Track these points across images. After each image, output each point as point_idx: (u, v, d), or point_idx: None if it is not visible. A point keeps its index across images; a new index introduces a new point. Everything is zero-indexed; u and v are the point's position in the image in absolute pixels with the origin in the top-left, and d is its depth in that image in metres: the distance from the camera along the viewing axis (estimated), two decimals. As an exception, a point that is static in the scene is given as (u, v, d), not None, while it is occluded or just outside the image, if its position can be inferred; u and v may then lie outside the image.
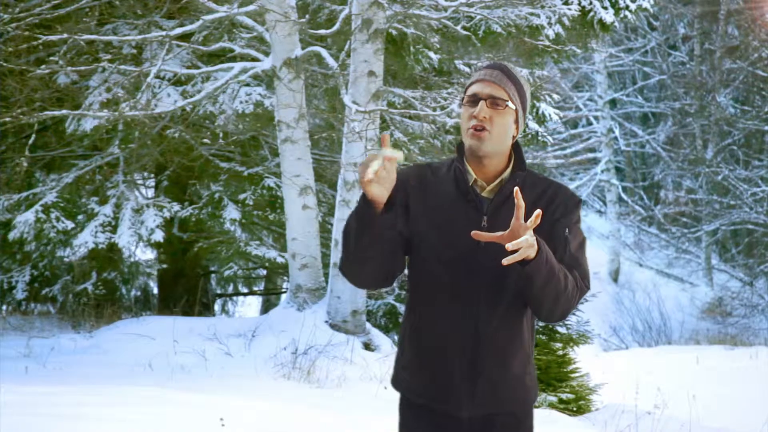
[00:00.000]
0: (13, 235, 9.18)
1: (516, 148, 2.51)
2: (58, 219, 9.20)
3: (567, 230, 2.44)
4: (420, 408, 2.53)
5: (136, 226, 9.26)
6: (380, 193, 2.27)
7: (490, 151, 2.45)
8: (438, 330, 2.45)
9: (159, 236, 9.32)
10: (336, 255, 7.61)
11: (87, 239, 9.30)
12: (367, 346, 7.46)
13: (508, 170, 2.49)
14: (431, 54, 8.31)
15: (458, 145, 2.54)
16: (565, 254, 2.42)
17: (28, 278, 11.20)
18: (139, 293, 13.36)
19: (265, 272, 13.36)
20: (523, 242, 2.19)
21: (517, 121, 2.49)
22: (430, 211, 2.47)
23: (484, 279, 2.42)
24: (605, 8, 9.13)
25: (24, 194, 9.56)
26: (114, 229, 9.38)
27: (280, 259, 10.16)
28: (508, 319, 2.43)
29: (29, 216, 9.10)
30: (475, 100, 2.46)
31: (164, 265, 11.84)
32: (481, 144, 2.43)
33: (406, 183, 2.49)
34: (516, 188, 2.25)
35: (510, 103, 2.46)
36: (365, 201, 2.30)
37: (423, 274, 2.48)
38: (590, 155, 24.21)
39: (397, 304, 9.06)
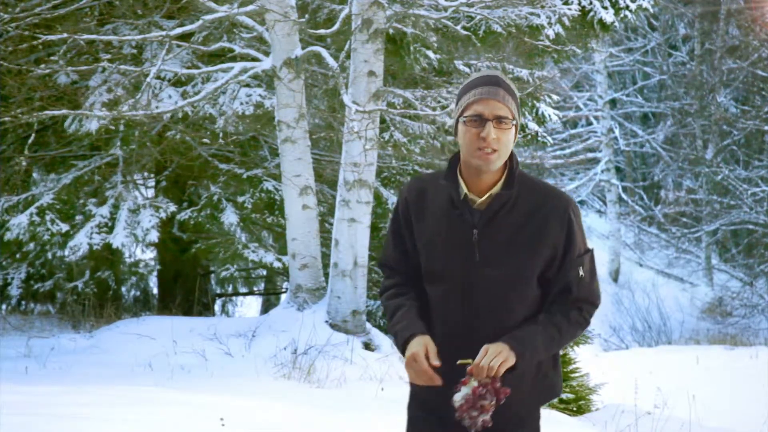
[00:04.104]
0: (9, 237, 9.19)
1: (511, 157, 2.51)
2: (53, 221, 9.18)
3: (581, 269, 2.51)
4: (424, 404, 2.58)
5: (131, 227, 9.24)
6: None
7: (496, 168, 2.46)
8: (438, 339, 2.49)
9: (154, 237, 9.30)
10: (336, 255, 7.61)
11: (82, 241, 9.28)
12: (367, 346, 7.46)
13: (499, 184, 2.48)
14: (430, 53, 8.30)
15: (452, 158, 2.54)
16: (577, 289, 2.52)
17: (24, 275, 11.21)
18: (138, 293, 13.35)
19: (265, 272, 13.35)
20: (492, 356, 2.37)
21: (516, 131, 2.50)
22: (427, 225, 2.52)
23: (481, 290, 2.46)
24: (605, 8, 9.13)
25: (23, 196, 9.56)
26: (110, 230, 9.36)
27: (277, 264, 10.14)
28: (506, 329, 2.44)
29: (23, 219, 9.09)
30: (480, 120, 2.42)
31: (158, 267, 11.82)
32: (489, 165, 2.43)
33: (407, 202, 2.57)
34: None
35: (514, 120, 2.45)
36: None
37: (425, 285, 2.56)
38: (590, 155, 24.18)
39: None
